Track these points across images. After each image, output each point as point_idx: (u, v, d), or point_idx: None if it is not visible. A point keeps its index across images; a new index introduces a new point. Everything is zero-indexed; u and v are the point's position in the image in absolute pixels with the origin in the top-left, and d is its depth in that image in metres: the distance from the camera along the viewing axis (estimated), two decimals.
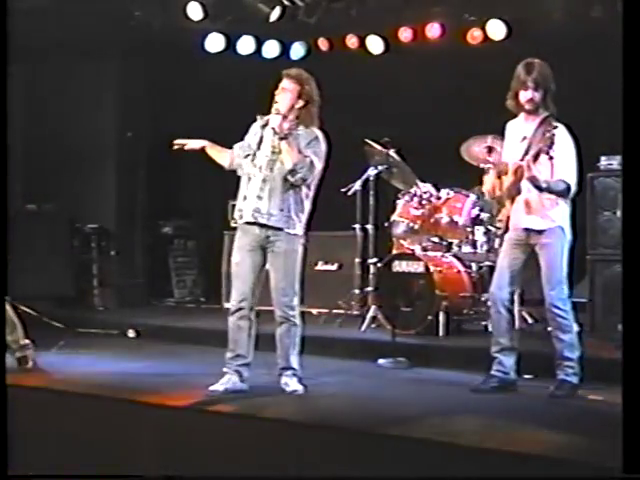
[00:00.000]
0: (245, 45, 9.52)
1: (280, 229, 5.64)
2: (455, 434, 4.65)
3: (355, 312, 8.21)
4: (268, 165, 5.67)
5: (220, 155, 5.88)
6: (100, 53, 9.57)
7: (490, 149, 7.09)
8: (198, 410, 5.31)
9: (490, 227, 7.24)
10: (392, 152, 7.79)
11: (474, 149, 7.31)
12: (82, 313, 9.20)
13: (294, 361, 5.71)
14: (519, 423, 5.02)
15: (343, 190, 7.91)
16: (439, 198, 7.64)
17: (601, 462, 4.07)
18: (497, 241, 7.24)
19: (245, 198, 5.71)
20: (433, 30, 8.71)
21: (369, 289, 7.88)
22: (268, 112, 5.71)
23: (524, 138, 5.57)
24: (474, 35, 8.59)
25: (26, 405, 5.39)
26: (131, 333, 8.31)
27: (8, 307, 6.37)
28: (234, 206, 5.89)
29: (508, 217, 5.71)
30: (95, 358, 7.11)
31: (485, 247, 7.39)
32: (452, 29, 8.65)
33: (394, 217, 7.80)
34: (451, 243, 7.66)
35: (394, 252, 7.80)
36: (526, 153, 5.47)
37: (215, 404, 5.39)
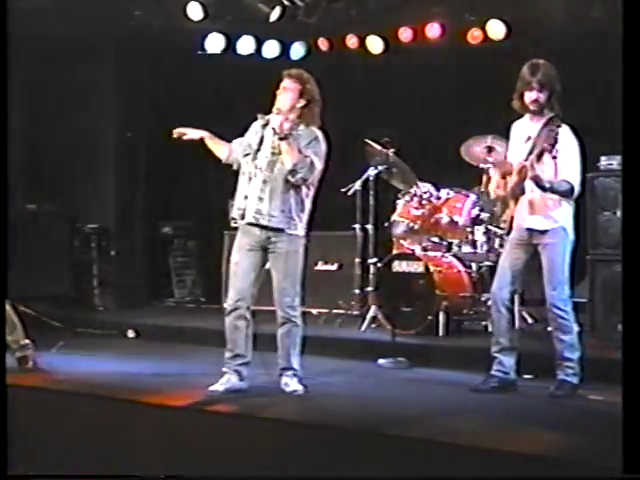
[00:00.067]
0: (245, 45, 9.52)
1: (281, 230, 5.64)
2: (455, 434, 4.65)
3: (355, 312, 8.21)
4: (269, 166, 5.67)
5: (218, 148, 5.87)
6: (100, 53, 9.57)
7: (490, 149, 7.11)
8: (198, 410, 5.31)
9: (491, 227, 7.23)
10: (392, 152, 7.78)
11: (474, 149, 7.31)
12: (82, 313, 9.19)
13: (295, 361, 5.71)
14: (519, 423, 5.02)
15: (343, 190, 7.91)
16: (439, 198, 7.64)
17: (601, 462, 4.07)
18: (497, 241, 7.26)
19: (245, 197, 5.71)
20: (433, 30, 8.71)
21: (369, 289, 7.88)
22: (269, 112, 5.72)
23: (529, 138, 5.57)
24: (474, 35, 8.59)
25: (26, 405, 5.39)
26: (131, 333, 8.31)
27: (8, 307, 6.37)
28: (234, 206, 5.89)
29: (512, 217, 5.72)
30: (95, 358, 7.11)
31: (485, 247, 7.39)
32: (452, 29, 8.65)
33: (394, 217, 7.80)
34: (451, 243, 7.66)
35: (394, 252, 7.80)
36: (530, 153, 5.47)
37: (215, 404, 5.39)
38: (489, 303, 6.30)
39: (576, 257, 5.80)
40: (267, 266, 5.76)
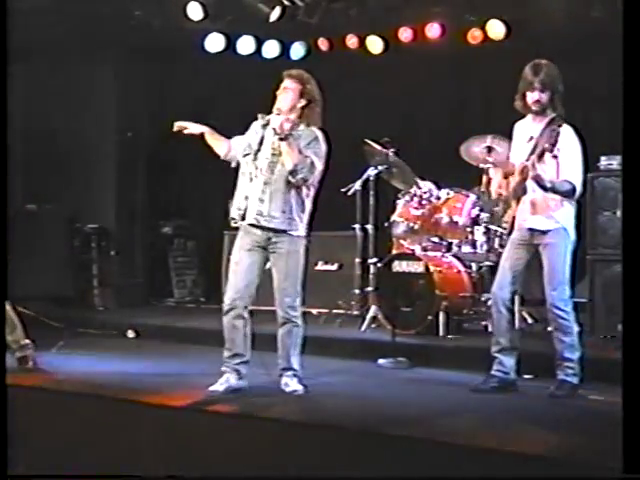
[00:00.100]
0: (245, 45, 9.52)
1: (283, 231, 5.65)
2: (455, 434, 4.65)
3: (355, 312, 8.21)
4: (269, 167, 5.67)
5: (218, 144, 5.87)
6: (100, 53, 9.57)
7: (490, 149, 7.10)
8: (198, 410, 5.31)
9: (491, 227, 7.22)
10: (392, 152, 7.78)
11: (474, 149, 7.31)
12: (82, 313, 9.20)
13: (295, 362, 5.71)
14: (519, 423, 5.03)
15: (343, 190, 7.91)
16: (439, 198, 7.64)
17: (601, 462, 4.07)
18: (497, 241, 7.26)
19: (245, 198, 5.71)
20: (433, 30, 8.71)
21: (369, 289, 7.88)
22: (269, 112, 5.72)
23: (531, 138, 5.57)
24: (474, 35, 8.59)
25: (26, 405, 5.39)
26: (130, 334, 8.31)
27: (8, 307, 6.37)
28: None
29: (514, 217, 5.72)
30: (95, 358, 7.11)
31: (485, 247, 7.39)
32: (452, 29, 8.66)
33: (394, 217, 7.80)
34: (451, 243, 7.65)
35: (394, 252, 7.79)
36: (532, 153, 5.47)
37: (215, 404, 5.39)
38: (489, 303, 6.31)
39: (577, 258, 5.80)
40: (267, 266, 5.76)
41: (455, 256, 7.58)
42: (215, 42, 9.43)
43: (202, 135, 5.85)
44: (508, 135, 6.52)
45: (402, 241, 7.84)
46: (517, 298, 6.39)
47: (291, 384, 5.66)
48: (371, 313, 7.65)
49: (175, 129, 5.86)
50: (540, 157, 5.43)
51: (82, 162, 9.85)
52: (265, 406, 5.39)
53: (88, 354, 7.25)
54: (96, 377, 6.27)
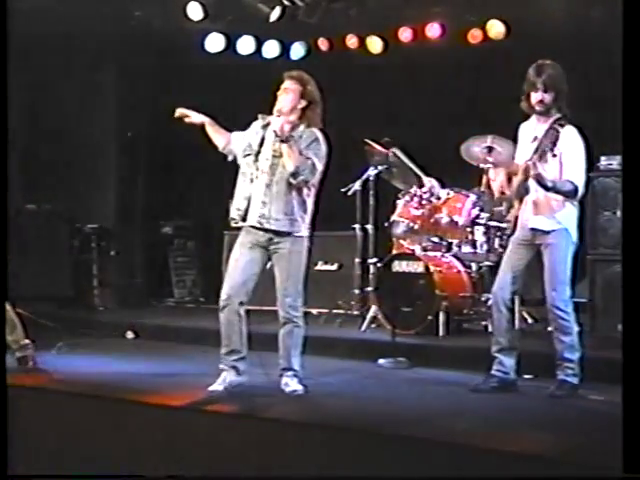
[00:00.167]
0: (245, 45, 9.53)
1: (286, 233, 5.65)
2: (455, 434, 4.65)
3: (355, 312, 8.21)
4: (270, 169, 5.67)
5: (217, 135, 5.87)
6: (100, 53, 9.57)
7: (490, 149, 7.10)
8: (198, 410, 5.32)
9: (492, 223, 7.19)
10: (395, 151, 7.77)
11: (474, 149, 7.30)
12: (82, 313, 9.20)
13: (295, 362, 5.71)
14: (519, 423, 5.03)
15: (343, 190, 7.91)
16: (439, 198, 7.64)
17: (601, 462, 4.07)
18: (497, 241, 7.26)
19: (246, 198, 5.71)
20: (433, 30, 8.72)
21: (369, 289, 7.88)
22: (269, 112, 5.71)
23: (535, 139, 5.58)
24: (474, 35, 8.60)
25: (26, 405, 5.39)
26: (130, 334, 8.30)
27: (8, 307, 6.37)
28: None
29: (516, 217, 5.73)
30: (95, 358, 7.11)
31: (485, 247, 7.38)
32: (452, 29, 8.66)
33: (394, 217, 7.79)
34: (451, 243, 7.66)
35: (394, 252, 7.79)
36: (535, 153, 5.48)
37: (215, 404, 5.39)
38: (489, 303, 6.31)
39: (578, 259, 5.80)
40: (268, 266, 5.76)
41: (455, 256, 7.58)
42: (215, 42, 9.44)
43: (202, 125, 5.86)
44: (508, 135, 6.54)
45: (402, 241, 7.84)
46: (517, 298, 6.39)
47: (291, 384, 5.66)
48: (371, 313, 7.65)
49: (176, 115, 5.86)
50: (541, 156, 5.44)
51: (82, 162, 9.85)
52: (265, 406, 5.39)
53: (88, 354, 7.25)
54: (96, 377, 6.27)
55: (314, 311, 8.26)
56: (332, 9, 8.59)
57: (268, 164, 5.68)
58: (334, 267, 8.62)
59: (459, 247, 7.62)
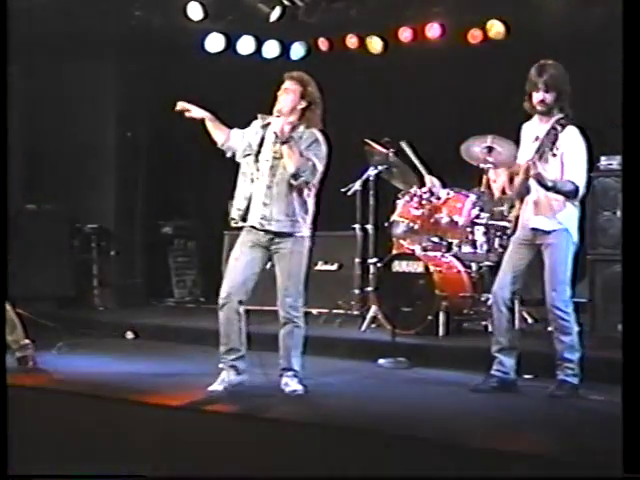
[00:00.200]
0: (245, 45, 9.53)
1: (287, 234, 5.65)
2: (455, 434, 4.65)
3: (355, 312, 8.21)
4: (271, 171, 5.67)
5: (217, 132, 5.86)
6: (100, 53, 9.57)
7: (490, 149, 7.09)
8: (198, 410, 5.32)
9: (493, 222, 7.19)
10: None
11: (474, 149, 7.29)
12: (82, 313, 9.20)
13: (295, 363, 5.71)
14: (519, 423, 5.03)
15: (343, 190, 7.91)
16: (439, 198, 7.63)
17: (601, 462, 4.07)
18: (497, 241, 7.26)
19: (246, 198, 5.71)
20: (433, 30, 8.72)
21: (369, 289, 7.88)
22: (269, 112, 5.71)
23: (537, 138, 5.58)
24: (474, 35, 8.60)
25: (26, 405, 5.39)
26: (129, 335, 8.29)
27: (8, 307, 6.37)
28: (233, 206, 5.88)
29: (517, 217, 5.73)
30: (95, 358, 7.11)
31: (485, 247, 7.38)
32: (452, 29, 8.66)
33: (394, 217, 7.79)
34: (451, 243, 7.65)
35: (394, 252, 7.79)
36: (536, 152, 5.48)
37: (215, 404, 5.40)
38: (489, 303, 6.31)
39: (578, 259, 5.80)
40: (268, 266, 5.76)
41: (455, 256, 7.58)
42: (215, 42, 9.44)
43: (202, 120, 5.86)
44: (508, 135, 6.53)
45: (402, 241, 7.84)
46: (517, 298, 6.39)
47: (291, 384, 5.66)
48: (371, 313, 7.65)
49: (177, 109, 5.85)
50: (542, 156, 5.44)
51: (82, 162, 9.84)
52: (265, 406, 5.39)
53: (88, 354, 7.25)
54: (96, 377, 6.27)
55: (314, 311, 8.25)
56: (332, 9, 8.60)
57: (268, 165, 5.69)
58: (334, 267, 8.62)
59: (459, 247, 7.62)
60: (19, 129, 9.26)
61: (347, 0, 8.58)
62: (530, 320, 7.50)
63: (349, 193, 7.91)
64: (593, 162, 5.73)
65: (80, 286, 9.66)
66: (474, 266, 7.49)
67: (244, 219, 5.73)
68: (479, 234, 7.45)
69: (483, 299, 7.23)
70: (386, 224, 7.84)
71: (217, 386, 5.64)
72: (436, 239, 7.69)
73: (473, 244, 7.51)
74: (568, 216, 5.61)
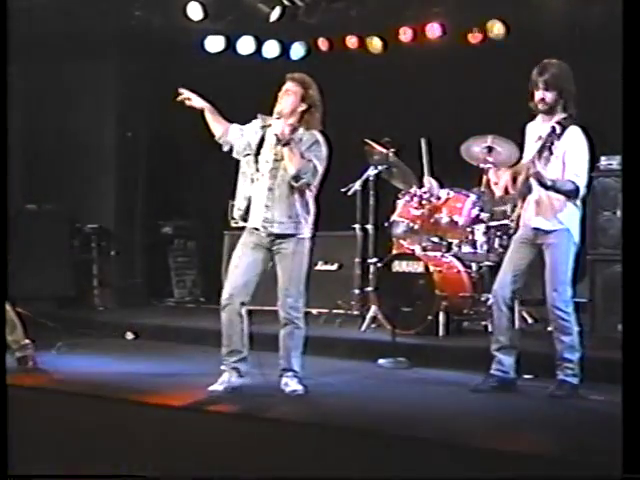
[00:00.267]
0: (245, 45, 9.52)
1: (290, 235, 5.65)
2: (455, 434, 4.65)
3: (355, 312, 8.20)
4: (272, 173, 5.67)
5: (216, 124, 5.86)
6: (100, 53, 9.57)
7: (490, 149, 7.09)
8: (198, 410, 5.32)
9: (492, 223, 7.19)
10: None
11: (474, 149, 7.29)
12: (82, 313, 9.20)
13: (295, 363, 5.71)
14: (519, 423, 5.03)
15: (343, 190, 7.90)
16: (439, 198, 7.63)
17: (601, 462, 4.07)
18: (497, 241, 7.26)
19: (246, 199, 5.71)
20: (433, 30, 8.72)
21: (369, 289, 7.88)
22: (269, 114, 5.71)
23: (539, 138, 5.58)
24: (474, 35, 8.59)
25: (26, 405, 5.39)
26: (129, 335, 8.29)
27: (8, 307, 6.37)
28: (234, 206, 5.89)
29: (519, 216, 5.73)
30: (95, 358, 7.11)
31: (485, 247, 7.38)
32: (452, 29, 8.66)
33: (394, 217, 7.79)
34: (451, 243, 7.66)
35: (394, 252, 7.79)
36: (537, 152, 5.48)
37: (215, 404, 5.39)
38: (489, 303, 6.31)
39: (579, 259, 5.79)
40: (269, 266, 5.76)
41: (455, 256, 7.58)
42: (215, 42, 9.44)
43: (202, 110, 5.85)
44: (508, 135, 6.54)
45: (402, 241, 7.84)
46: (517, 297, 6.39)
47: (291, 384, 5.66)
48: (371, 313, 7.65)
49: (179, 98, 5.86)
50: (540, 155, 5.44)
51: (82, 162, 9.85)
52: (265, 406, 5.39)
53: (88, 354, 7.25)
54: (96, 377, 6.27)
55: (314, 311, 8.24)
56: (332, 9, 8.60)
57: (269, 167, 5.68)
58: (334, 267, 8.62)
59: (459, 247, 7.62)
60: (19, 129, 9.26)
61: (347, 0, 8.58)
62: (530, 320, 7.50)
63: (349, 193, 7.91)
64: (595, 162, 5.72)
65: (80, 286, 9.66)
66: (474, 266, 7.49)
67: (244, 219, 5.73)
68: (479, 234, 7.45)
69: (483, 299, 7.23)
70: (386, 224, 7.84)
71: (217, 386, 5.63)
72: (436, 239, 7.69)
73: (473, 244, 7.51)
74: (569, 216, 5.61)
